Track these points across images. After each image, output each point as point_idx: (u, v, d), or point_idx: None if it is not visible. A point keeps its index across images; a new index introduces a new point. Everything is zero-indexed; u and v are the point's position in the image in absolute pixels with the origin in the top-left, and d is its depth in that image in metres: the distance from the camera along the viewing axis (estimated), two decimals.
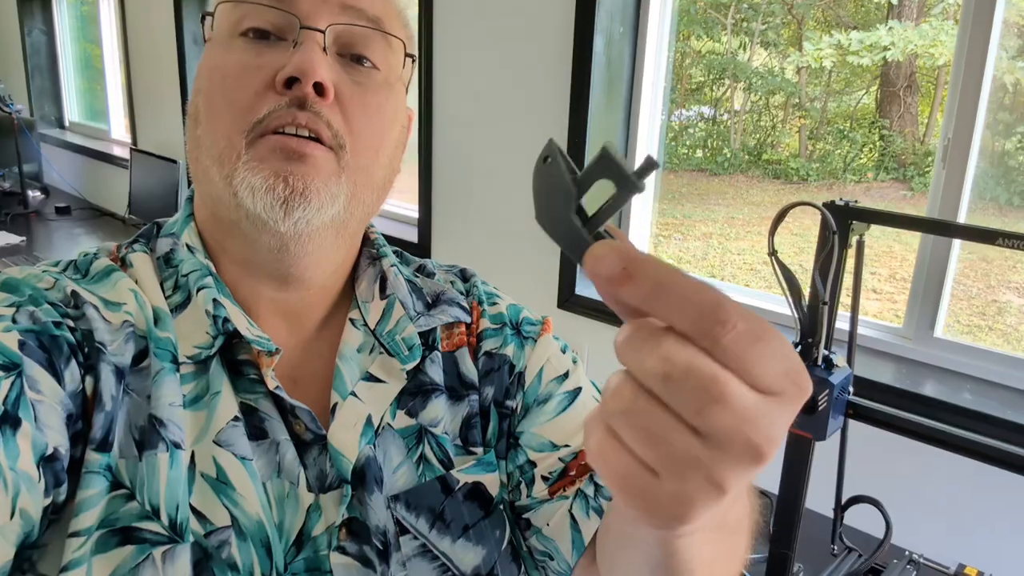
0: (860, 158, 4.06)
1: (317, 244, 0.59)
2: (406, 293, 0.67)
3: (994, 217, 1.61)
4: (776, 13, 3.95)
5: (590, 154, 1.91)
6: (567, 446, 0.65)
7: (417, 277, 0.71)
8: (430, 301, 0.68)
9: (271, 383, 0.57)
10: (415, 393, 0.63)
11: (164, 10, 3.17)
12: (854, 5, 4.04)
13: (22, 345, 0.50)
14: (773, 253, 1.08)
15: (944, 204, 1.52)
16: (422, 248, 2.35)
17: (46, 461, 0.48)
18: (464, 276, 0.74)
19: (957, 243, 1.52)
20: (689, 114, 4.28)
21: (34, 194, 3.86)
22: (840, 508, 1.36)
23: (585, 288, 2.00)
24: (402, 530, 0.59)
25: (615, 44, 1.89)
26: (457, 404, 0.64)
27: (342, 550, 0.58)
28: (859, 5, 3.99)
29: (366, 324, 0.64)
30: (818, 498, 1.30)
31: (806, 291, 1.09)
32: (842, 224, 1.06)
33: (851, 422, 1.15)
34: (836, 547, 1.38)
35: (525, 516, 0.65)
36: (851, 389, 1.10)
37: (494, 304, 0.70)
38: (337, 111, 0.56)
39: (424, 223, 2.34)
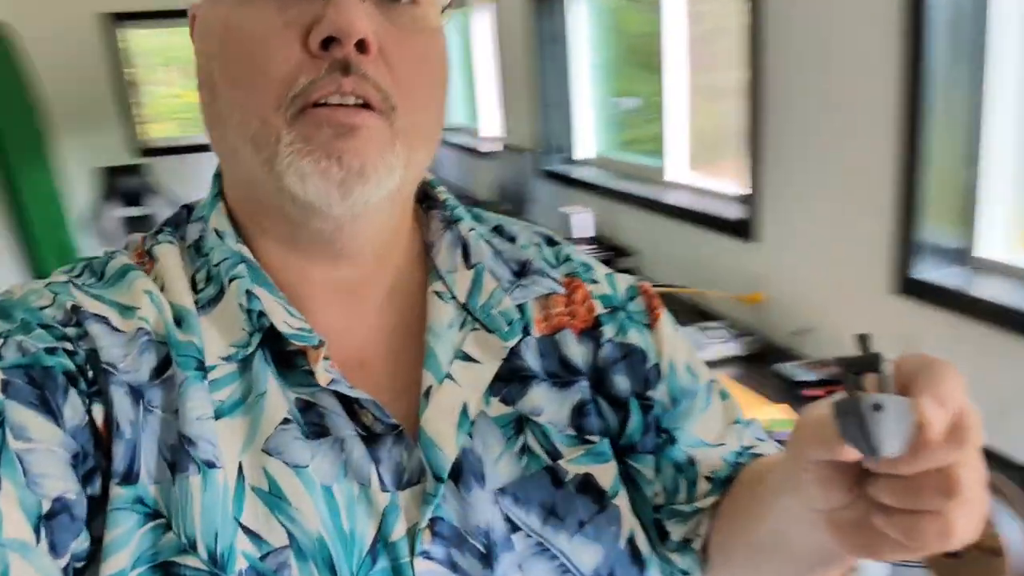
0: None
1: (373, 219, 0.54)
2: (494, 261, 0.61)
3: None
4: None
5: (925, 193, 1.70)
6: (723, 444, 0.62)
7: (496, 238, 0.64)
8: (517, 270, 0.61)
9: (323, 378, 0.51)
10: (509, 379, 0.57)
11: (522, 15, 3.50)
12: None
13: (5, 386, 0.45)
14: None
15: None
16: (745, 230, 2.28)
17: (48, 517, 0.44)
18: (551, 241, 0.67)
19: None
20: None
21: None
22: None
23: (925, 271, 1.77)
24: (513, 527, 0.53)
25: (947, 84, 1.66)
26: (564, 390, 0.59)
27: (427, 555, 0.51)
28: None
29: (454, 297, 0.59)
30: None
31: None
32: None
33: None
34: None
35: (670, 526, 0.61)
36: None
37: (596, 282, 0.64)
38: (383, 67, 0.50)
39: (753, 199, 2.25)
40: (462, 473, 0.53)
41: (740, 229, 2.30)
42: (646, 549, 0.59)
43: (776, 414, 1.72)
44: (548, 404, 0.58)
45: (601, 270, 0.66)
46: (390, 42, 0.50)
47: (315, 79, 0.48)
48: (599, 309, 0.62)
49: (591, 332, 0.61)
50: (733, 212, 2.36)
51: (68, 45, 4.39)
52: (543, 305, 0.61)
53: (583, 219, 2.86)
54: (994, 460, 1.58)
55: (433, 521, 0.52)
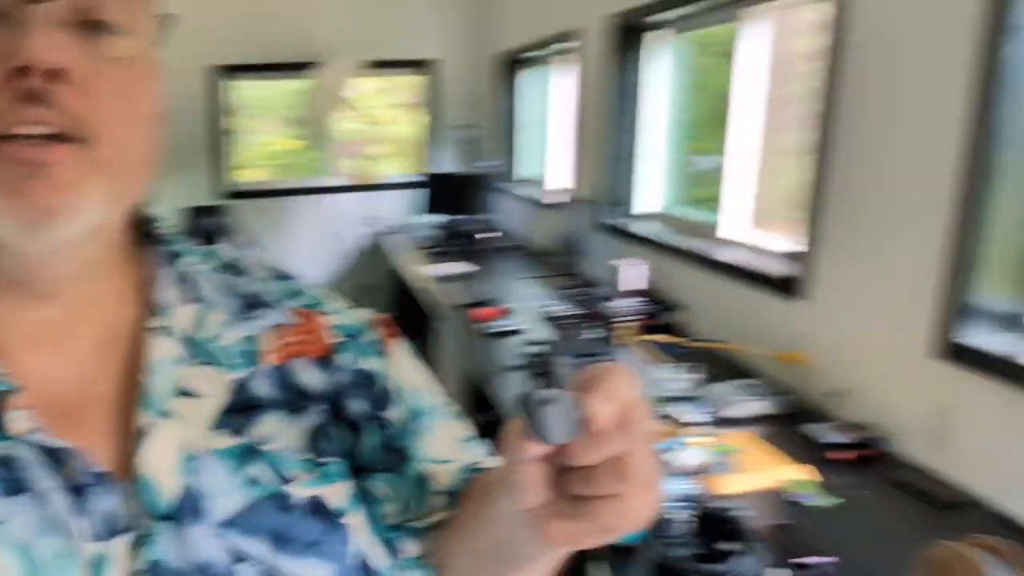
0: None
1: (73, 256, 0.52)
2: (222, 294, 0.61)
3: None
4: None
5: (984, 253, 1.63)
6: (453, 461, 0.65)
7: (224, 273, 0.63)
8: (246, 302, 0.62)
9: (17, 427, 0.49)
10: (237, 411, 0.57)
11: (603, 72, 3.56)
12: None
13: None
14: None
15: None
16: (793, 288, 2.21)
17: None
18: (282, 276, 0.67)
19: None
20: None
21: (493, 234, 4.58)
22: None
23: (969, 336, 1.67)
24: (237, 558, 0.52)
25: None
26: (298, 416, 0.59)
27: None
28: None
29: (174, 333, 0.57)
30: None
31: None
32: None
33: None
34: None
35: (406, 543, 0.64)
36: None
37: (331, 313, 0.65)
38: (80, 97, 0.48)
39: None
40: (183, 511, 0.52)
41: (789, 287, 2.24)
42: (380, 565, 0.60)
43: (799, 475, 1.63)
44: (280, 432, 0.58)
45: (337, 303, 0.68)
46: (90, 72, 0.48)
47: (1, 110, 0.46)
48: (335, 338, 0.64)
49: (327, 359, 0.63)
50: (784, 270, 2.30)
51: (175, 94, 4.74)
52: (277, 335, 0.61)
53: (632, 271, 2.84)
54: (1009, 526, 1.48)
55: (153, 565, 0.50)
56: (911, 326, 1.78)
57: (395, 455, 0.64)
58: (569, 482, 0.44)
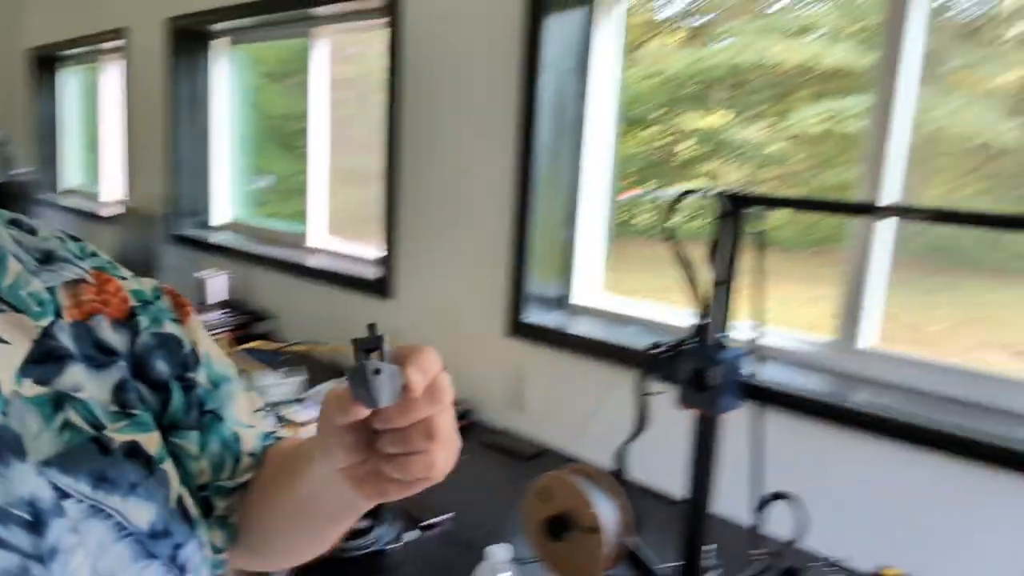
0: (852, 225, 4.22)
1: None
2: (16, 248, 0.60)
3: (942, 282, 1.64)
4: (762, 89, 4.15)
5: (533, 259, 2.04)
6: (255, 427, 0.72)
7: (14, 229, 0.63)
8: (40, 257, 0.61)
9: None
10: (44, 360, 0.57)
11: (157, 78, 3.37)
12: (837, 82, 4.22)
13: None
14: (670, 238, 1.15)
15: (850, 303, 1.60)
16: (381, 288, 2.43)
17: None
18: (74, 237, 0.68)
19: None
20: (675, 191, 4.49)
21: None
22: (757, 507, 1.38)
23: (533, 315, 2.05)
24: (63, 495, 0.53)
25: (554, 160, 2.03)
26: (102, 371, 0.60)
27: None
28: (843, 80, 4.17)
29: None
30: (732, 504, 1.32)
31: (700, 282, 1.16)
32: (735, 208, 1.13)
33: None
34: (754, 551, 1.39)
35: (215, 502, 0.68)
36: (755, 374, 1.14)
37: (125, 278, 0.67)
38: None
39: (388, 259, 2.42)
40: (1, 450, 0.52)
41: (377, 288, 2.46)
42: (195, 512, 0.63)
43: None
44: (88, 383, 0.59)
45: (124, 270, 0.69)
46: None
47: None
48: (132, 302, 0.65)
49: (127, 322, 0.64)
50: (372, 273, 2.51)
51: None
52: (72, 293, 0.62)
53: (216, 282, 2.78)
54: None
55: None
56: (489, 312, 2.12)
57: (205, 416, 0.67)
58: (383, 442, 0.52)
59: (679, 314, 1.98)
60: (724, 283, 1.15)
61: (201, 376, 0.68)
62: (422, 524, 1.54)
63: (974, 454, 1.36)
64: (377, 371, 0.49)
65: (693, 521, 1.23)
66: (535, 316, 2.05)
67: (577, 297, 2.13)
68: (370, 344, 0.50)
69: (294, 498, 0.65)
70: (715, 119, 3.03)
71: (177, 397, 0.65)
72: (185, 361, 0.67)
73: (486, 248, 2.12)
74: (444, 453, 0.52)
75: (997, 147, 1.61)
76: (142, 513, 0.57)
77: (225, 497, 0.69)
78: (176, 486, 0.61)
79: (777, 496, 1.36)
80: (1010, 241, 1.56)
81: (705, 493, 1.21)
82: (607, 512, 1.29)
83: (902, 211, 0.99)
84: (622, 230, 2.19)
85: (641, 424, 1.25)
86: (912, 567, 1.31)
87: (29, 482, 0.52)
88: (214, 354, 0.71)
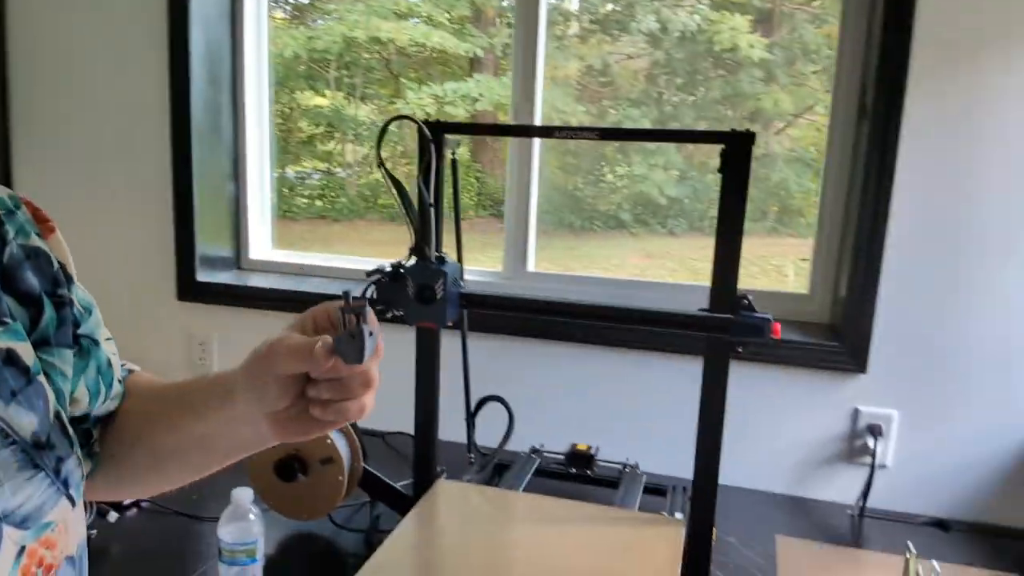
0: (462, 198, 4.58)
1: None
2: None
3: (571, 239, 2.00)
4: (375, 69, 4.28)
5: (200, 217, 1.93)
6: (115, 354, 0.72)
7: None
8: None
9: None
10: None
11: None
12: (441, 67, 4.51)
13: None
14: (381, 164, 1.19)
15: (516, 242, 1.87)
16: None
17: None
18: None
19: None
20: (306, 168, 4.46)
21: None
22: (471, 414, 1.51)
23: (208, 275, 1.94)
24: None
25: (212, 111, 1.94)
26: None
27: None
28: (445, 65, 4.47)
29: None
30: (450, 428, 1.42)
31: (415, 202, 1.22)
32: (436, 135, 1.21)
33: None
34: (473, 455, 1.52)
35: (92, 430, 0.68)
36: (463, 283, 1.24)
37: None
38: None
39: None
40: None
41: None
42: (71, 431, 0.61)
43: None
44: None
45: None
46: None
47: None
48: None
49: None
50: None
51: None
52: None
53: None
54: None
55: None
56: (160, 274, 1.96)
57: (82, 341, 0.65)
58: (320, 390, 0.58)
59: (355, 261, 2.04)
60: (433, 205, 1.23)
61: (73, 296, 0.64)
62: (124, 505, 1.40)
63: (628, 344, 1.66)
64: (371, 333, 0.57)
65: (424, 430, 1.31)
66: (210, 276, 1.94)
67: (252, 254, 2.06)
68: (358, 309, 0.57)
69: (188, 435, 0.66)
70: (328, 99, 3.12)
71: (49, 313, 0.61)
72: (55, 278, 0.63)
73: (148, 207, 1.95)
74: (372, 397, 0.59)
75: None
76: (24, 421, 0.54)
77: (95, 426, 0.68)
78: (53, 400, 0.58)
79: (486, 400, 1.51)
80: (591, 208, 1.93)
81: (434, 401, 1.29)
82: (339, 442, 1.31)
83: (574, 130, 1.16)
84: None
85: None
86: (595, 441, 1.55)
87: None
88: (75, 277, 0.66)
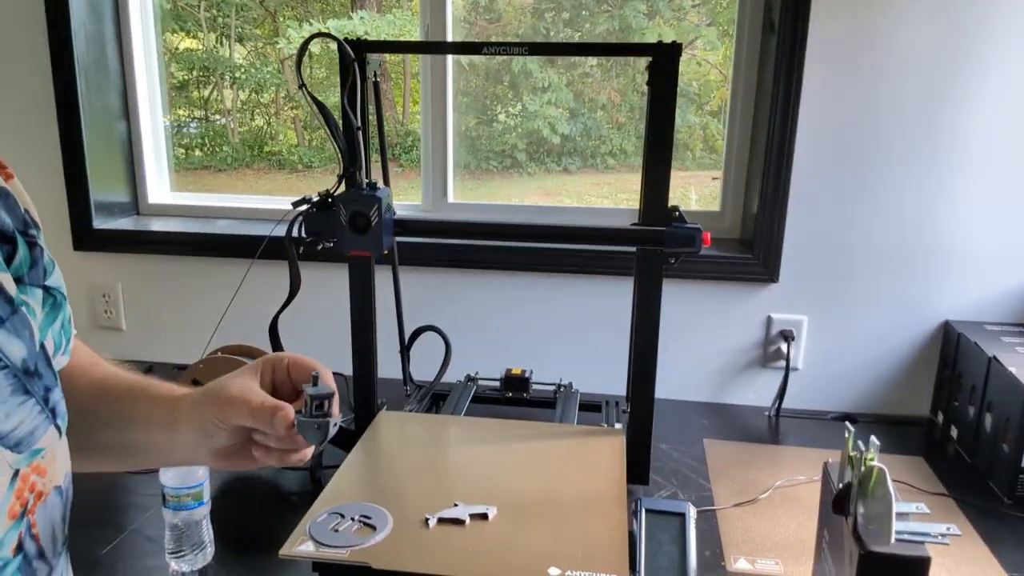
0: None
1: None
2: None
3: (470, 181, 2.00)
4: (250, 7, 4.04)
5: (91, 161, 1.81)
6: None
7: None
8: None
9: None
10: None
11: None
12: (320, 3, 4.31)
13: None
14: (302, 86, 1.14)
15: (436, 175, 1.85)
16: None
17: None
18: None
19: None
20: (181, 115, 4.21)
21: None
22: (405, 347, 1.50)
23: (105, 221, 1.83)
24: None
25: (96, 45, 1.79)
26: None
27: None
28: (325, 2, 4.27)
29: None
30: (383, 366, 1.41)
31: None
32: (359, 55, 1.17)
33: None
34: (408, 387, 1.52)
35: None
36: (395, 211, 1.22)
37: None
38: None
39: None
40: None
41: None
42: (54, 363, 0.61)
43: None
44: None
45: None
46: None
47: None
48: None
49: None
50: None
51: None
52: None
53: None
54: None
55: None
56: (53, 227, 1.80)
57: (51, 291, 0.63)
58: (267, 440, 0.65)
59: (262, 200, 1.96)
60: (360, 128, 1.19)
61: (42, 240, 0.63)
62: None
63: (555, 269, 1.68)
64: (335, 424, 0.65)
65: (363, 363, 1.29)
66: (107, 223, 1.82)
67: (151, 198, 1.95)
68: (326, 396, 0.64)
69: (121, 439, 0.70)
70: (200, 42, 2.95)
71: (23, 250, 0.60)
72: (24, 219, 0.61)
73: (32, 151, 1.80)
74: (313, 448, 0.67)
75: None
76: (15, 347, 0.55)
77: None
78: (37, 332, 0.58)
79: (421, 331, 1.50)
80: (486, 148, 1.91)
81: (372, 333, 1.28)
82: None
83: (503, 46, 1.14)
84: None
85: (294, 289, 1.24)
86: (528, 366, 1.57)
87: None
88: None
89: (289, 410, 0.63)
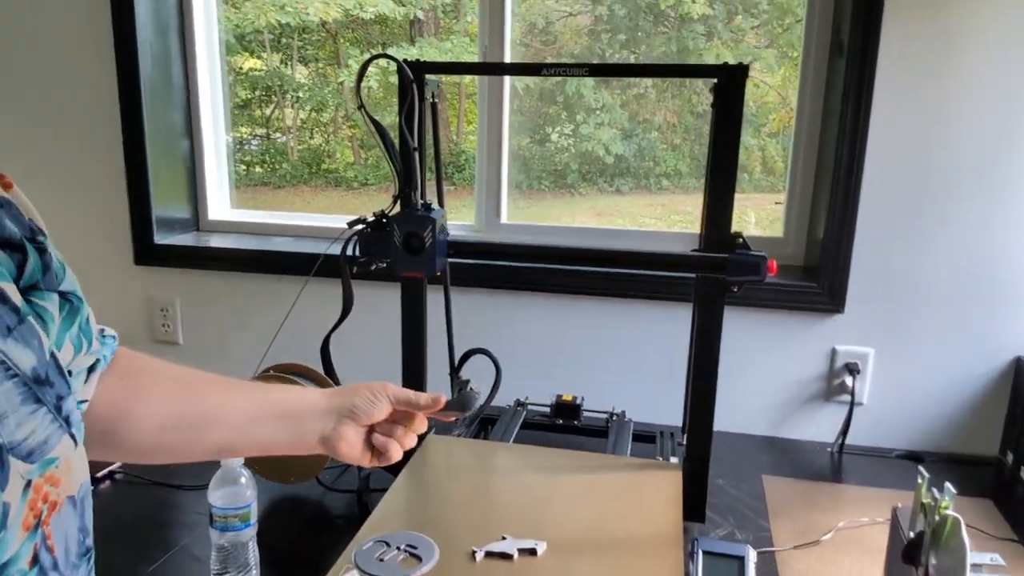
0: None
1: None
2: None
3: (521, 200, 2.00)
4: (312, 30, 4.12)
5: (154, 177, 1.85)
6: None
7: None
8: None
9: None
10: None
11: None
12: (379, 27, 4.37)
13: None
14: (361, 107, 1.14)
15: (489, 195, 1.83)
16: None
17: None
18: None
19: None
20: (243, 133, 4.32)
21: None
22: (455, 369, 1.48)
23: (166, 237, 1.85)
24: None
25: (161, 63, 1.84)
26: None
27: None
28: (384, 27, 4.33)
29: None
30: (431, 386, 1.39)
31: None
32: (418, 76, 1.16)
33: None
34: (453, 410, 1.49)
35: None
36: (448, 232, 1.20)
37: None
38: None
39: None
40: None
41: None
42: (67, 372, 0.60)
43: None
44: None
45: None
46: None
47: None
48: None
49: None
50: None
51: None
52: None
53: None
54: None
55: None
56: (112, 237, 1.86)
57: (67, 296, 0.63)
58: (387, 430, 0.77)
59: (319, 219, 1.97)
60: (417, 149, 1.18)
61: (50, 247, 0.62)
62: (96, 477, 1.33)
63: (608, 293, 1.64)
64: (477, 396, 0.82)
65: (413, 385, 1.27)
66: (168, 238, 1.85)
67: (211, 214, 1.98)
68: (462, 386, 0.83)
69: (208, 445, 0.75)
70: (263, 63, 2.98)
71: (34, 257, 0.60)
72: (31, 227, 0.61)
73: (98, 168, 1.85)
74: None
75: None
76: (23, 357, 0.53)
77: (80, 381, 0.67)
78: (47, 341, 0.57)
79: (471, 353, 1.48)
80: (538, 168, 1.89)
81: (422, 354, 1.26)
82: None
83: (563, 67, 1.12)
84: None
85: (347, 308, 1.23)
86: (578, 392, 1.53)
87: None
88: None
89: (441, 395, 0.77)
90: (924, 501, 0.85)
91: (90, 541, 0.61)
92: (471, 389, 0.81)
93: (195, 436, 0.74)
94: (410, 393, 0.77)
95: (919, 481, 0.85)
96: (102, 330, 0.72)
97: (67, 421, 0.57)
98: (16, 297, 0.56)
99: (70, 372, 0.65)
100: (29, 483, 0.52)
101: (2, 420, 0.50)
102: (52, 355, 0.57)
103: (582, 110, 1.99)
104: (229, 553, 1.03)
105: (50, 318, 0.59)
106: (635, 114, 1.97)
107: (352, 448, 0.76)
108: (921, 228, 1.50)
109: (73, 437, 0.58)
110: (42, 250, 0.61)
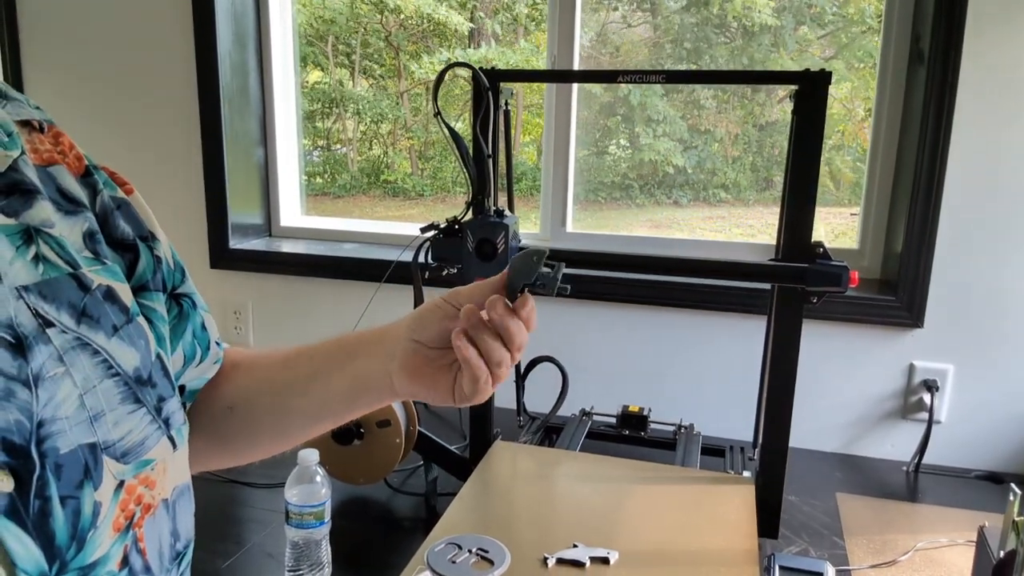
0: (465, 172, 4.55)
1: None
2: None
3: (579, 211, 2.01)
4: (372, 43, 4.20)
5: (230, 183, 1.89)
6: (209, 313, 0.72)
7: None
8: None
9: None
10: (10, 192, 0.52)
11: None
12: (438, 39, 4.43)
13: None
14: (438, 114, 1.15)
15: (555, 204, 1.84)
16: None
17: None
18: (9, 90, 0.61)
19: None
20: (306, 144, 4.46)
21: None
22: (520, 376, 1.48)
23: (240, 241, 1.90)
24: (46, 323, 0.50)
25: (239, 74, 1.90)
26: (70, 217, 0.56)
27: None
28: (443, 38, 4.39)
29: None
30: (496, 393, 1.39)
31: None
32: (493, 84, 1.17)
33: None
34: (522, 418, 1.49)
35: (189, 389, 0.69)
36: (520, 238, 1.21)
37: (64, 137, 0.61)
38: None
39: None
40: None
41: None
42: (172, 373, 0.60)
43: None
44: (58, 222, 0.54)
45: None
46: None
47: None
48: (86, 161, 0.60)
49: (86, 179, 0.59)
50: None
51: None
52: (28, 138, 0.56)
53: None
54: None
55: None
56: (189, 240, 1.92)
57: (180, 299, 0.64)
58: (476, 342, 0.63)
59: (388, 226, 2.00)
60: (491, 156, 1.19)
61: (164, 251, 0.63)
62: None
63: (676, 304, 1.62)
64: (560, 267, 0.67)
65: None
66: (242, 243, 1.90)
67: (283, 220, 2.02)
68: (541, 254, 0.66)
69: (311, 399, 0.69)
70: (325, 75, 3.04)
71: (145, 257, 0.61)
72: (145, 229, 0.62)
73: (177, 174, 1.91)
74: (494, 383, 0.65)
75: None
76: (127, 356, 0.53)
77: (190, 398, 0.69)
78: (154, 343, 0.58)
79: (537, 361, 1.48)
80: (596, 179, 1.87)
81: None
82: (395, 405, 1.28)
83: (639, 73, 1.12)
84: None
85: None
86: (643, 403, 1.52)
87: (8, 305, 0.48)
88: (165, 238, 0.65)
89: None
90: (1016, 519, 0.82)
91: (180, 546, 0.60)
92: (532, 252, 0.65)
93: (288, 402, 0.71)
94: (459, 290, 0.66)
95: (1011, 498, 0.82)
96: (217, 342, 0.71)
97: (167, 423, 0.56)
98: (127, 297, 0.56)
99: (184, 389, 0.67)
100: (122, 483, 0.51)
101: (99, 418, 0.50)
102: (159, 356, 0.57)
103: (640, 122, 1.98)
104: (303, 550, 1.04)
105: (158, 318, 0.60)
106: (694, 126, 1.95)
107: (425, 376, 0.65)
108: (1004, 240, 1.45)
109: (172, 440, 0.57)
110: (153, 248, 0.62)
